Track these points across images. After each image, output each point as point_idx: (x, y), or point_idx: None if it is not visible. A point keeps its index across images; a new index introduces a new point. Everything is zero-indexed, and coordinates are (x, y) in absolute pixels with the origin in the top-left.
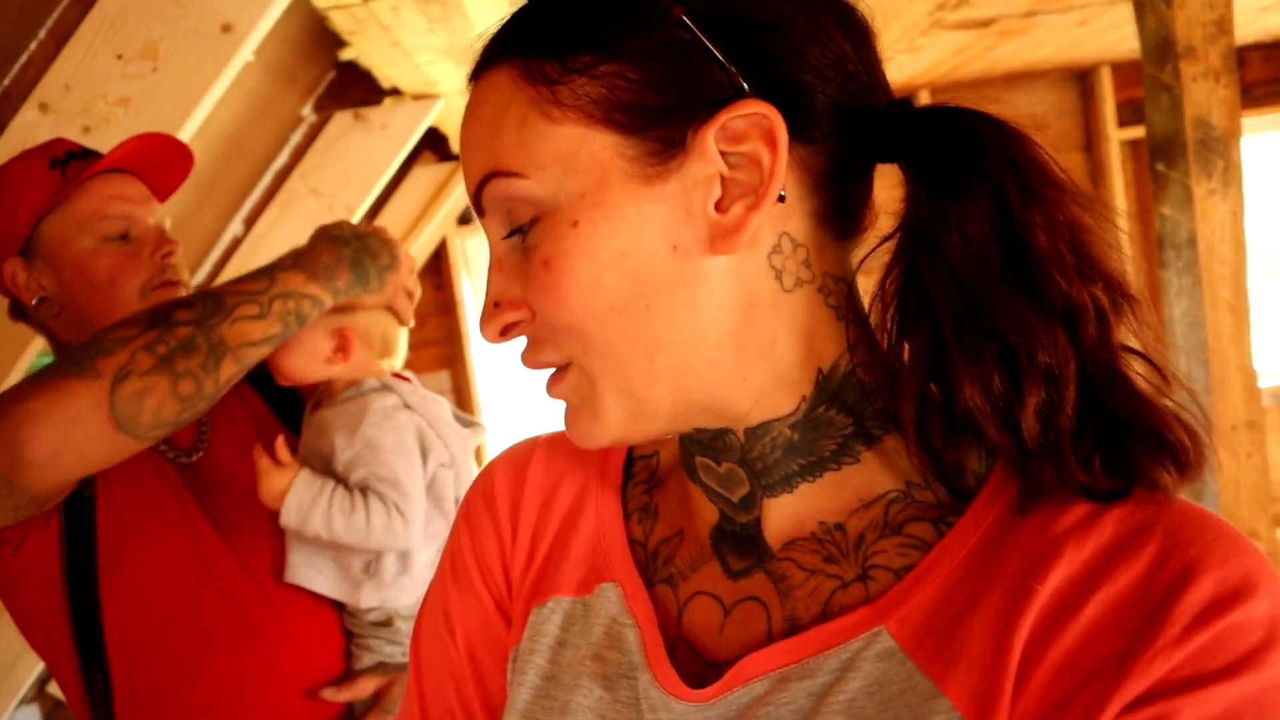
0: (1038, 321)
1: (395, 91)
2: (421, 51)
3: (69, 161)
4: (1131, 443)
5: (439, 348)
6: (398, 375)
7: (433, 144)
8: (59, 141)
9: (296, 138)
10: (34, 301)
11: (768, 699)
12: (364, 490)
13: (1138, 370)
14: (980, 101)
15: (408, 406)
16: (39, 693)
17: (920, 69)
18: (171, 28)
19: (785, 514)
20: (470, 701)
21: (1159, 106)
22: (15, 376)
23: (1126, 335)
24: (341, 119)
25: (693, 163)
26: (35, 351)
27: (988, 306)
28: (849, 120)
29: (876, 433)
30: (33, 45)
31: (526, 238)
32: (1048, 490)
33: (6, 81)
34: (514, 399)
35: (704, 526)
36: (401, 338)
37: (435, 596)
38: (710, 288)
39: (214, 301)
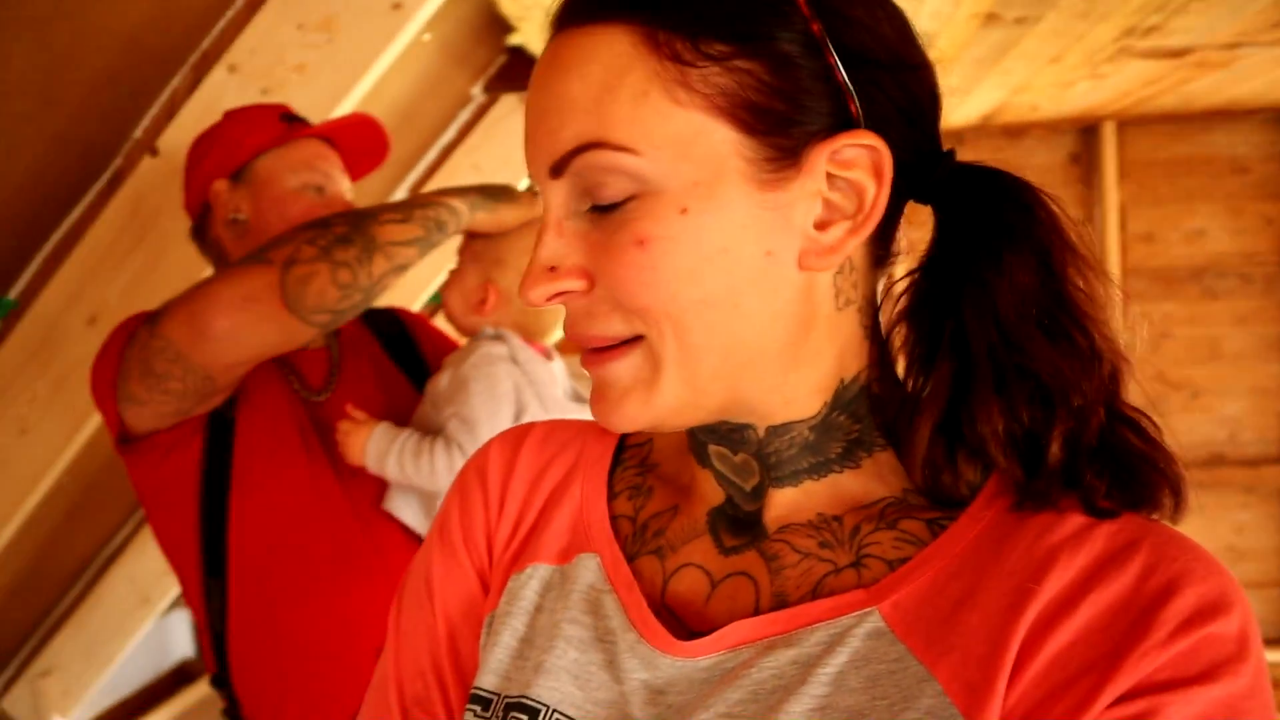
0: (1069, 366)
1: None
2: None
3: (294, 121)
4: (1146, 469)
5: None
6: (539, 347)
7: None
8: (284, 106)
9: (465, 115)
10: (229, 219)
11: (753, 663)
12: (435, 435)
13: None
14: (1172, 139)
15: (514, 361)
16: None
17: (1105, 98)
18: (347, 3)
19: (786, 502)
20: (441, 664)
21: None
22: None
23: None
24: (508, 101)
25: (804, 177)
26: None
27: (1026, 349)
28: (917, 161)
29: (880, 442)
30: (230, 12)
31: (615, 212)
32: (1050, 503)
33: (206, 43)
34: None
35: (702, 506)
36: (554, 322)
37: (421, 562)
38: (788, 298)
39: (363, 211)
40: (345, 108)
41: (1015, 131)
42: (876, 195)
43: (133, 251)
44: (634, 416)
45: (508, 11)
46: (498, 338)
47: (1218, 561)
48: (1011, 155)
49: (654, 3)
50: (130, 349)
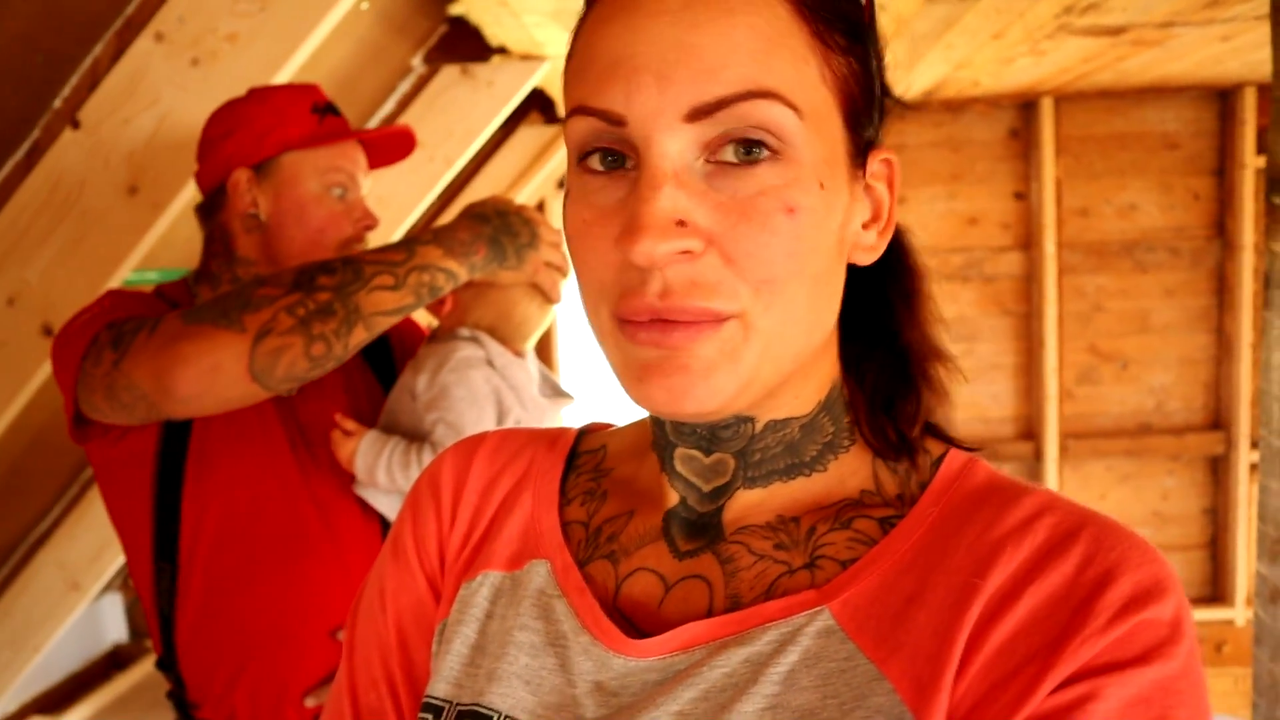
0: (942, 361)
1: (503, 50)
2: (529, 12)
3: (326, 113)
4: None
5: None
6: (512, 350)
7: (540, 106)
8: (315, 89)
9: (404, 87)
10: (245, 212)
11: (705, 662)
12: (422, 442)
13: None
14: (1108, 115)
15: (490, 364)
16: (124, 583)
17: (1044, 74)
18: None
19: (749, 504)
20: (394, 673)
21: None
22: (122, 273)
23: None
24: (449, 72)
25: (864, 180)
26: (130, 267)
27: (937, 351)
28: None
29: (845, 443)
30: None
31: (748, 174)
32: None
33: (130, 10)
34: (596, 369)
35: (658, 510)
36: (528, 323)
37: (375, 573)
38: (840, 286)
39: (354, 270)
40: (280, 79)
41: (956, 107)
42: (891, 206)
43: (54, 230)
44: (721, 390)
45: None
46: (473, 339)
47: (1154, 549)
48: (952, 130)
49: None
50: (93, 363)
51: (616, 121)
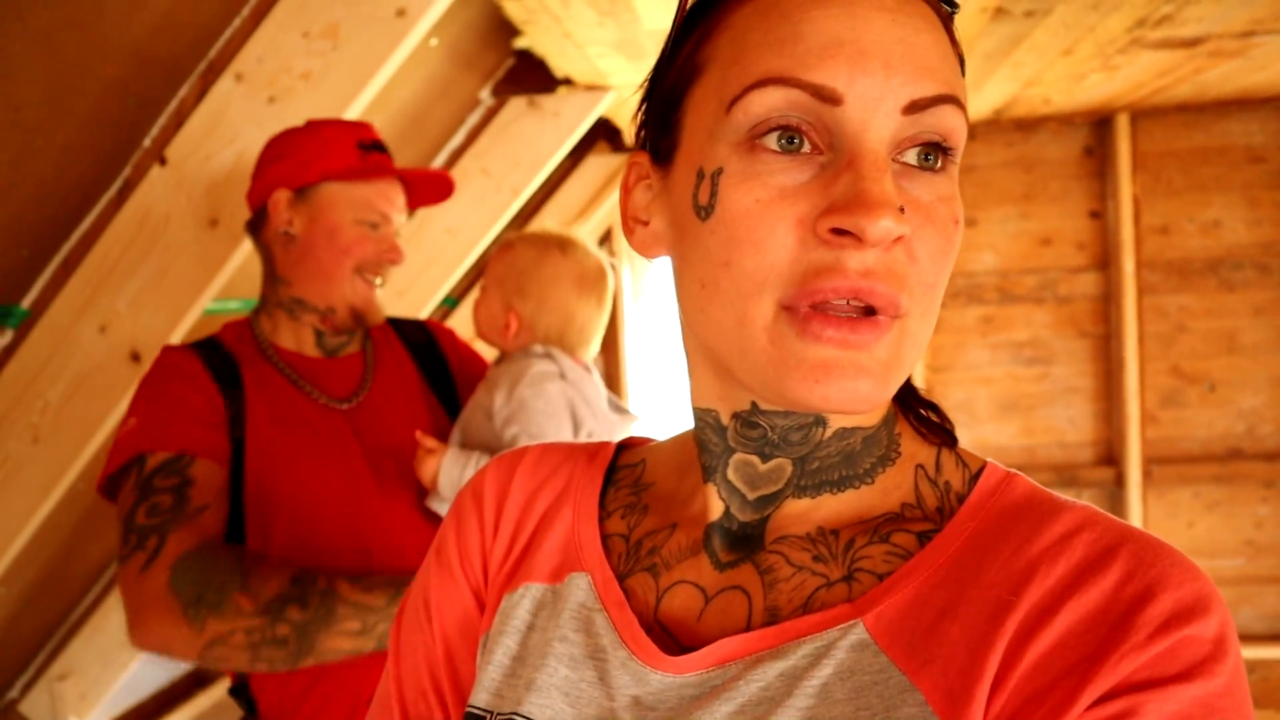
0: None
1: (568, 81)
2: (592, 44)
3: (370, 150)
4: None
5: None
6: (579, 362)
7: (607, 135)
8: (366, 127)
9: (473, 119)
10: (281, 230)
11: (741, 676)
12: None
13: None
14: (1187, 130)
15: (563, 377)
16: None
17: (1117, 90)
18: (351, 10)
19: (794, 514)
20: (441, 684)
21: None
22: (203, 303)
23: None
24: (516, 104)
25: None
26: (211, 296)
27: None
28: None
29: (893, 456)
30: (236, 22)
31: (934, 177)
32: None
33: (212, 53)
34: (663, 390)
35: (700, 522)
36: (590, 325)
37: (419, 584)
38: None
39: (326, 608)
40: (352, 114)
41: (1028, 125)
42: None
43: (143, 261)
44: (887, 389)
45: (513, 15)
46: (546, 355)
47: (1195, 566)
48: (1024, 149)
49: (947, 16)
50: (117, 495)
51: (831, 100)
